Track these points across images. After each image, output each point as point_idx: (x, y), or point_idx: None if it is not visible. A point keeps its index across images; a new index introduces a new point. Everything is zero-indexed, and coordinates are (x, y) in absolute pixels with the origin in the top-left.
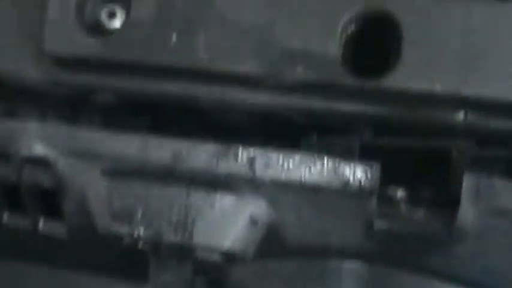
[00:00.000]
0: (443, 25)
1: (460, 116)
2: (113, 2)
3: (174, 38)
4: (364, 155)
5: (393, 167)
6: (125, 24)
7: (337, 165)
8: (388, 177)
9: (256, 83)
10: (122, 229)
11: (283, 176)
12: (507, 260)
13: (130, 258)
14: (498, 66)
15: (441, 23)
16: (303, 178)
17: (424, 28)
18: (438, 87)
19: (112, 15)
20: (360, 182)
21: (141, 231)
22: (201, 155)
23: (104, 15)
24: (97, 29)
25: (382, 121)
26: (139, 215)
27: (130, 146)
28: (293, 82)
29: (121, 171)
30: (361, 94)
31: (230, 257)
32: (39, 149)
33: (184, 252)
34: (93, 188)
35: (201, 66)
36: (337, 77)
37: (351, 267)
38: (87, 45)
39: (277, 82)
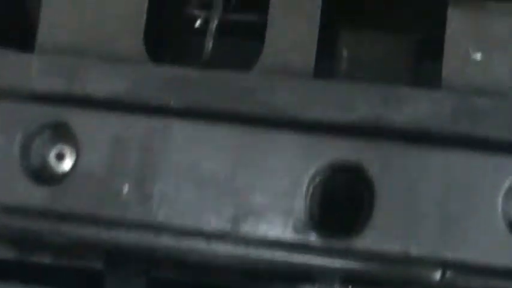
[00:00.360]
0: (419, 179)
1: (437, 275)
2: (61, 143)
3: (126, 188)
4: None
5: None
6: (74, 168)
7: None
8: None
9: (216, 238)
10: None
11: None
12: None
13: None
14: (478, 226)
15: (417, 176)
16: None
17: (398, 182)
18: (414, 250)
19: (60, 156)
20: None
21: None
22: None
23: (51, 157)
24: (44, 173)
25: (350, 276)
26: None
27: None
28: (255, 239)
29: None
30: (328, 252)
31: None
32: None
33: None
34: None
35: (154, 220)
36: (303, 236)
37: None
38: (33, 195)
39: (238, 239)
